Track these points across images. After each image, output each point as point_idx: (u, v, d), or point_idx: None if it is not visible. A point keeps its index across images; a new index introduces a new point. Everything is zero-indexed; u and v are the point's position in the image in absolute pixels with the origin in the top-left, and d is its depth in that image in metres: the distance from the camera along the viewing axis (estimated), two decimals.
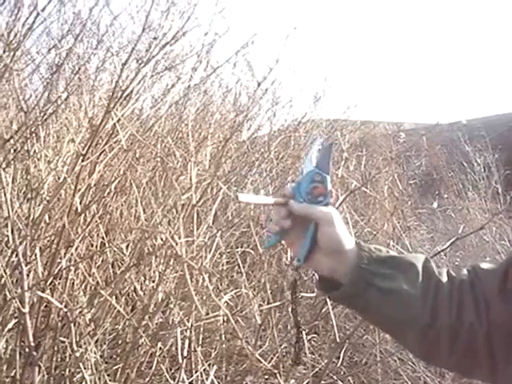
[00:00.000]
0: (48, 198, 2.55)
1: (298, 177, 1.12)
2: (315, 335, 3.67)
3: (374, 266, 1.04)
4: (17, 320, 2.52)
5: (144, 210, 2.98)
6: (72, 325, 2.09)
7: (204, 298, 2.51)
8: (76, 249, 2.57)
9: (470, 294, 1.00)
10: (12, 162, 2.64)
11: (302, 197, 1.09)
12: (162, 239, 2.63)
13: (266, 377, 3.06)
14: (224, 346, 2.95)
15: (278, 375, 2.11)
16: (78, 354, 2.28)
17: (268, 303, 3.00)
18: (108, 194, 2.80)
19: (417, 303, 1.00)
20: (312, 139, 1.19)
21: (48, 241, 2.63)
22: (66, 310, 2.15)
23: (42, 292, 2.23)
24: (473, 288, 1.00)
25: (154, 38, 2.62)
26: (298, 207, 1.08)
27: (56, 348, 2.58)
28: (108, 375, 2.50)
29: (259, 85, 2.84)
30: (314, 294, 2.76)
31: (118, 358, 2.78)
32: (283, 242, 1.11)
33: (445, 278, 1.04)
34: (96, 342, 2.58)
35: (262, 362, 2.01)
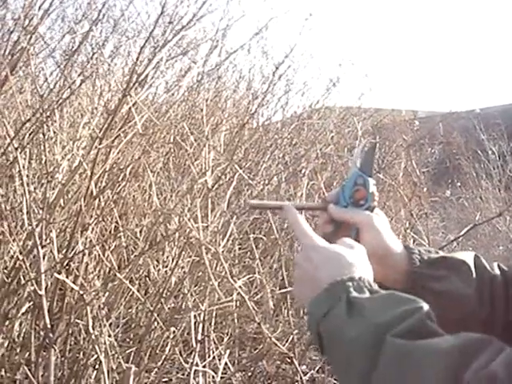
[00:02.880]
0: (63, 182, 2.56)
1: (345, 180, 1.07)
2: None
3: (427, 269, 0.99)
4: (31, 303, 2.55)
5: (158, 195, 2.98)
6: (87, 307, 2.11)
7: (218, 282, 2.51)
8: (91, 232, 2.58)
9: None
10: (27, 146, 2.66)
11: (345, 201, 1.04)
12: (176, 224, 2.64)
13: (278, 362, 3.08)
14: (237, 330, 2.97)
15: (293, 359, 2.12)
16: (92, 337, 2.29)
17: (280, 289, 3.02)
18: (122, 178, 2.81)
19: (473, 301, 0.97)
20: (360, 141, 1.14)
21: (63, 224, 2.65)
22: (81, 292, 2.16)
23: (58, 275, 2.25)
24: None
25: (170, 23, 2.61)
26: (336, 212, 1.03)
27: (70, 331, 2.61)
28: (122, 358, 2.52)
29: (277, 69, 2.82)
30: None
31: (132, 342, 2.80)
32: None
33: (497, 272, 1.01)
34: (110, 325, 2.60)
35: (278, 346, 2.01)
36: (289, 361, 2.43)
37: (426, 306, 0.76)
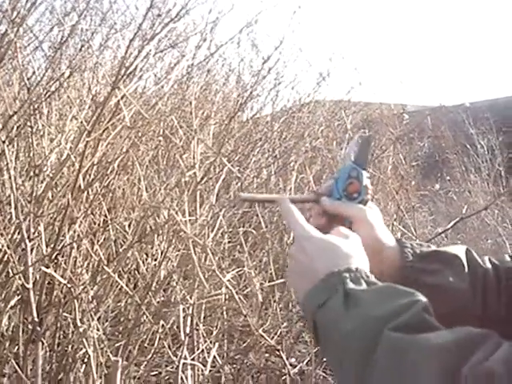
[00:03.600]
0: (51, 175, 2.55)
1: (339, 172, 1.05)
2: None
3: (420, 263, 0.98)
4: (20, 297, 2.54)
5: (146, 189, 2.98)
6: (75, 301, 2.10)
7: (206, 275, 2.51)
8: (79, 226, 2.57)
9: None
10: (15, 139, 2.64)
11: (339, 193, 1.03)
12: (164, 217, 2.64)
13: (267, 355, 3.09)
14: (226, 323, 2.97)
15: (281, 352, 2.12)
16: (80, 331, 2.29)
17: (269, 282, 3.02)
18: (111, 171, 2.80)
19: (466, 295, 0.96)
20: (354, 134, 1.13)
21: (51, 218, 2.64)
22: (69, 285, 2.16)
23: (46, 268, 2.24)
24: None
25: (158, 15, 2.60)
26: (329, 205, 1.01)
27: (59, 325, 2.60)
28: (110, 352, 2.52)
29: (265, 62, 2.81)
30: None
31: (120, 335, 2.80)
32: None
33: (489, 266, 1.01)
34: (98, 318, 2.59)
35: (265, 339, 2.02)
36: (277, 353, 2.44)
37: (423, 300, 0.76)
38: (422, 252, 1.01)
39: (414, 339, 0.70)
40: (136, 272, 2.97)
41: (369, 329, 0.73)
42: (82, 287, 2.30)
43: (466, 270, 0.99)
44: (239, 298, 2.14)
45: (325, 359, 3.22)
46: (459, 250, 1.02)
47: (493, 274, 1.00)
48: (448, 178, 7.24)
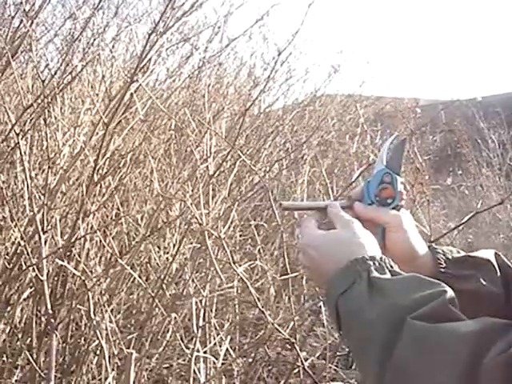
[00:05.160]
0: (65, 168, 2.56)
1: (370, 176, 1.03)
2: None
3: (453, 269, 0.97)
4: (33, 289, 2.55)
5: (159, 182, 2.98)
6: (89, 293, 2.11)
7: (219, 268, 2.52)
8: (92, 218, 2.58)
9: None
10: (29, 132, 2.65)
11: (370, 198, 1.00)
12: (177, 210, 2.64)
13: (279, 349, 3.10)
14: (238, 316, 2.98)
15: (294, 345, 2.12)
16: (94, 323, 2.30)
17: (281, 276, 3.03)
18: (124, 165, 2.81)
19: (500, 300, 0.96)
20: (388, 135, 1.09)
21: (64, 210, 2.65)
22: (83, 278, 2.17)
23: (60, 260, 2.25)
24: None
25: (172, 9, 2.60)
26: (363, 210, 0.99)
27: (72, 317, 2.62)
28: (123, 344, 2.53)
29: (279, 55, 2.80)
30: None
31: (133, 328, 2.81)
32: None
33: None
34: (111, 311, 2.61)
35: (280, 332, 2.02)
36: (289, 347, 2.44)
37: (449, 291, 0.75)
38: (454, 258, 0.99)
39: (437, 328, 0.70)
40: (148, 265, 2.98)
41: (393, 317, 0.72)
42: (95, 280, 2.31)
43: (498, 273, 0.98)
44: (251, 292, 2.13)
45: (338, 352, 3.22)
46: (489, 254, 1.00)
47: None
48: (460, 172, 7.21)
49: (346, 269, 0.81)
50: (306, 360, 2.93)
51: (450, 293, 0.76)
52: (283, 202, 1.01)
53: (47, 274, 2.18)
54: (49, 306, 1.99)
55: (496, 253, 1.02)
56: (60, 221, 2.56)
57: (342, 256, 0.83)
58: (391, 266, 0.81)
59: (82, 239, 2.54)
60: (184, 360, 2.89)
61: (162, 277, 2.58)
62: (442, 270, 0.97)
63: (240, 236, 3.48)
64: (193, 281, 2.64)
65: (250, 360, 2.94)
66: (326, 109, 5.38)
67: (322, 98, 5.61)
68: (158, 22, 2.26)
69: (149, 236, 2.61)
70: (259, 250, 3.01)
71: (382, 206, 0.99)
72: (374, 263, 0.80)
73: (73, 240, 2.35)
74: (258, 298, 2.14)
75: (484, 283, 0.96)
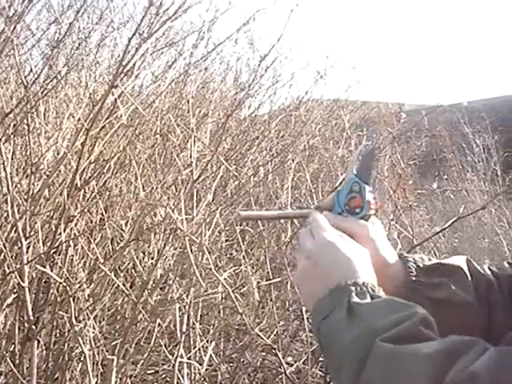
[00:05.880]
0: (48, 174, 2.54)
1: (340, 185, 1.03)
2: None
3: (424, 277, 0.97)
4: (16, 295, 2.53)
5: (143, 187, 2.97)
6: (71, 299, 2.10)
7: (203, 274, 2.51)
8: (75, 224, 2.57)
9: None
10: (12, 137, 2.64)
11: (340, 207, 0.99)
12: (161, 215, 2.64)
13: (264, 353, 3.09)
14: (222, 322, 2.97)
15: (276, 351, 2.12)
16: (76, 329, 2.29)
17: (266, 280, 3.02)
18: (108, 170, 2.80)
19: (472, 307, 0.96)
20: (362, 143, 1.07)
21: (48, 216, 2.63)
22: (65, 284, 2.15)
23: (42, 267, 2.24)
24: None
25: (156, 14, 2.59)
26: (332, 220, 0.97)
27: (55, 323, 2.60)
28: (107, 350, 2.52)
29: (262, 60, 2.80)
30: None
31: (117, 334, 2.79)
32: None
33: (490, 275, 1.00)
34: (95, 317, 2.59)
35: (262, 338, 2.02)
36: (274, 352, 2.44)
37: (422, 312, 0.77)
38: (425, 266, 0.99)
39: (403, 349, 0.71)
40: (133, 270, 2.97)
41: (364, 340, 0.74)
42: (78, 286, 2.29)
43: (470, 280, 0.98)
44: (236, 297, 2.13)
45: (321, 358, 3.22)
46: (460, 261, 1.01)
47: (496, 283, 0.99)
48: (445, 176, 7.25)
49: (329, 295, 0.83)
50: (292, 365, 2.93)
51: (422, 314, 0.77)
52: (241, 211, 1.00)
53: (30, 280, 2.17)
54: (30, 313, 1.97)
55: (468, 259, 1.02)
56: (43, 226, 2.54)
57: (334, 277, 0.84)
58: (373, 290, 0.82)
59: (65, 245, 2.52)
60: (169, 366, 2.88)
61: (146, 282, 2.57)
62: (413, 278, 0.97)
63: (226, 241, 3.48)
64: (177, 287, 2.63)
65: (235, 366, 2.93)
66: (312, 114, 5.39)
67: (308, 102, 5.62)
68: (138, 26, 2.25)
69: (132, 241, 2.59)
70: (244, 256, 3.00)
71: (351, 216, 0.99)
72: (355, 289, 0.82)
73: (54, 246, 2.34)
74: (242, 304, 2.14)
75: (455, 290, 0.96)
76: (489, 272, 1.01)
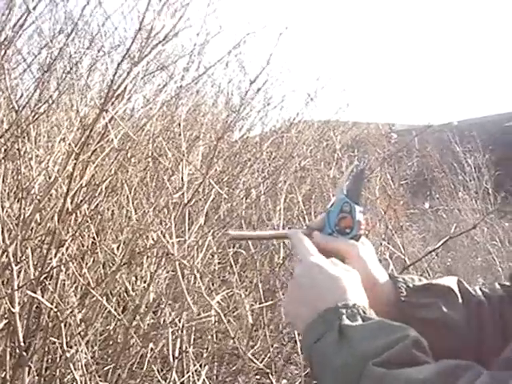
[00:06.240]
0: (39, 198, 2.54)
1: (329, 205, 1.02)
2: None
3: (414, 297, 0.97)
4: (7, 321, 2.51)
5: (135, 210, 2.97)
6: (62, 325, 2.08)
7: (195, 297, 2.50)
8: (67, 249, 2.55)
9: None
10: (2, 162, 2.63)
11: (331, 228, 0.99)
12: (153, 239, 2.63)
13: (258, 377, 3.06)
14: (216, 346, 2.95)
15: (269, 375, 2.10)
16: (68, 355, 2.26)
17: (260, 303, 3.01)
18: (99, 193, 2.79)
19: (462, 328, 0.96)
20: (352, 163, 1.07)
21: (39, 241, 2.62)
22: (56, 310, 2.13)
23: (33, 292, 2.22)
24: None
25: (147, 38, 2.61)
26: (321, 240, 0.98)
27: (47, 349, 2.57)
28: (99, 376, 2.49)
29: (252, 83, 2.82)
30: None
31: (109, 359, 2.77)
32: None
33: (481, 296, 1.00)
34: (87, 342, 2.57)
35: (254, 362, 2.00)
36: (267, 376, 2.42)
37: (413, 335, 0.76)
38: (415, 286, 0.99)
39: (395, 374, 0.70)
40: (125, 294, 2.95)
41: (355, 364, 0.73)
42: (69, 311, 2.27)
43: (460, 301, 0.98)
44: (228, 320, 2.12)
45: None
46: (451, 282, 1.01)
47: (486, 303, 0.99)
48: (437, 196, 7.28)
49: (320, 318, 0.82)
50: None
51: (414, 337, 0.76)
52: (231, 231, 1.00)
53: (21, 306, 2.15)
54: (21, 339, 1.95)
55: (459, 280, 1.02)
56: (34, 251, 2.53)
57: (323, 299, 0.84)
58: (364, 312, 0.81)
59: (57, 270, 2.51)
60: None
61: (139, 306, 2.55)
62: (403, 298, 0.97)
63: (219, 263, 3.46)
64: (170, 311, 2.61)
65: None
66: (303, 135, 5.41)
67: (299, 124, 5.65)
68: (128, 49, 2.26)
69: (124, 265, 2.58)
70: (237, 278, 2.99)
71: (342, 236, 0.99)
72: (346, 311, 0.81)
73: (45, 271, 2.32)
74: (234, 327, 2.13)
75: (446, 311, 0.96)
76: (480, 293, 1.01)
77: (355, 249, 0.98)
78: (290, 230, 1.04)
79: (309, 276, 0.88)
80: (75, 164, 2.20)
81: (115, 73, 2.26)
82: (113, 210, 3.22)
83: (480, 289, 1.02)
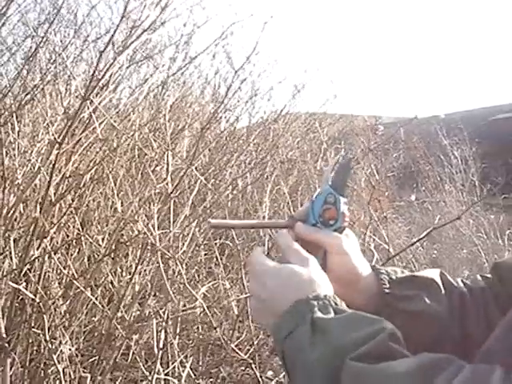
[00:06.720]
0: (22, 188, 2.51)
1: (314, 195, 0.99)
2: None
3: (397, 289, 0.96)
4: None
5: (121, 202, 2.95)
6: (45, 316, 2.06)
7: (181, 288, 2.49)
8: (51, 240, 2.53)
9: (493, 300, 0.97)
10: None
11: (314, 219, 0.97)
12: (138, 230, 2.61)
13: (243, 368, 3.06)
14: (201, 337, 2.94)
15: (252, 365, 2.10)
16: (52, 347, 2.25)
17: (245, 294, 3.00)
18: (84, 184, 2.77)
19: (445, 320, 0.95)
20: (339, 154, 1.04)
21: (22, 231, 2.60)
22: (39, 301, 2.12)
23: (16, 283, 2.20)
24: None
25: (132, 28, 2.59)
26: (304, 232, 0.96)
27: (30, 340, 2.56)
28: (83, 367, 2.48)
29: (236, 72, 2.81)
30: None
31: (94, 351, 2.76)
32: None
33: (463, 288, 1.00)
34: (71, 334, 2.55)
35: (237, 353, 2.00)
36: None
37: (389, 327, 0.75)
38: (397, 278, 0.98)
39: (375, 368, 0.69)
40: (110, 286, 2.93)
41: (332, 359, 0.72)
42: (52, 302, 2.26)
43: (443, 292, 0.97)
44: (214, 311, 2.11)
45: None
46: (434, 274, 1.00)
47: (468, 295, 0.99)
48: (423, 188, 7.30)
49: (290, 311, 0.80)
50: (271, 380, 2.91)
51: (390, 329, 0.75)
52: (211, 219, 0.98)
53: (4, 297, 2.13)
54: (2, 330, 1.94)
55: (441, 272, 1.02)
56: (18, 241, 2.51)
57: (293, 295, 0.81)
58: (335, 304, 0.80)
59: (40, 260, 2.49)
60: (147, 383, 2.84)
61: (123, 298, 2.54)
62: (387, 290, 0.96)
63: (205, 255, 3.45)
64: (155, 303, 2.60)
65: (213, 380, 2.90)
66: (290, 127, 5.41)
67: (287, 116, 5.64)
68: (111, 37, 2.24)
69: (107, 256, 2.57)
70: (222, 270, 2.99)
71: (325, 227, 0.97)
72: (317, 303, 0.79)
73: (28, 262, 2.30)
74: (220, 318, 2.12)
75: (428, 303, 0.95)
76: (462, 285, 1.01)
77: (338, 241, 0.95)
78: (271, 220, 1.03)
79: (262, 285, 0.86)
80: (57, 154, 2.17)
81: (98, 61, 2.23)
82: (98, 201, 3.19)
83: (462, 280, 1.02)
